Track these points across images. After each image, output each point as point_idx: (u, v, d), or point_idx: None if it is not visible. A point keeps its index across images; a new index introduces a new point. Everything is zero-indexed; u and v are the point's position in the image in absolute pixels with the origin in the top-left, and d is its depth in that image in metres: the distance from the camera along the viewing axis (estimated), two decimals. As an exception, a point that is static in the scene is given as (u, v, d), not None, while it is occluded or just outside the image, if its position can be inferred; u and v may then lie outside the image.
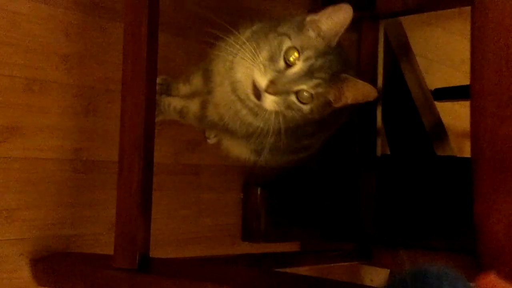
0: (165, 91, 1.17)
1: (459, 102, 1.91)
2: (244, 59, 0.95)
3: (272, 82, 0.88)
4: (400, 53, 1.67)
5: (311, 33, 0.92)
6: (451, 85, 1.87)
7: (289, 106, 0.91)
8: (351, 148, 1.47)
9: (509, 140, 0.57)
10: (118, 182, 0.90)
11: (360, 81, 0.93)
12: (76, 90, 1.07)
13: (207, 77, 1.08)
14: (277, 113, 0.92)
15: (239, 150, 1.18)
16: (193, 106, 1.12)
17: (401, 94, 1.66)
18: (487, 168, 0.58)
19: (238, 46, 0.98)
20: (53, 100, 1.04)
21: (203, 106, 1.09)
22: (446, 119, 1.72)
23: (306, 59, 0.89)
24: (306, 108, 0.92)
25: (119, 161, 0.91)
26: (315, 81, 0.90)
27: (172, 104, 1.15)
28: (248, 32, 1.00)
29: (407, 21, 1.73)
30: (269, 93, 0.88)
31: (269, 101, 0.90)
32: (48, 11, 1.04)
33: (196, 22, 1.28)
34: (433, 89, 1.86)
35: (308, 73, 0.89)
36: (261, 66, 0.89)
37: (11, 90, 0.99)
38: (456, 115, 1.89)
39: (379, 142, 1.42)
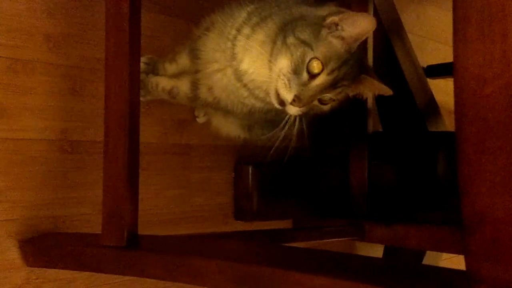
0: (152, 71, 1.16)
1: (452, 79, 1.90)
2: (251, 50, 0.95)
3: (297, 97, 0.89)
4: (391, 30, 1.65)
5: (331, 38, 0.91)
6: (443, 61, 1.86)
7: (311, 109, 0.93)
8: (342, 126, 1.47)
9: (492, 101, 0.57)
10: (104, 161, 0.90)
11: (376, 82, 0.96)
12: (61, 70, 1.06)
13: (194, 56, 1.07)
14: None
15: (230, 128, 1.17)
16: (184, 87, 1.11)
17: (393, 71, 1.65)
18: (470, 129, 0.58)
19: (234, 31, 0.97)
20: (37, 80, 1.03)
21: (195, 87, 1.08)
22: (438, 95, 1.71)
23: (330, 72, 0.89)
24: (327, 107, 0.95)
25: (105, 140, 0.90)
26: (338, 90, 0.92)
27: (160, 84, 1.14)
28: (244, 13, 0.98)
29: (398, -2, 1.72)
30: (295, 106, 0.90)
31: (294, 109, 0.91)
32: (29, -11, 1.03)
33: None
34: (425, 66, 1.85)
35: (332, 85, 0.90)
36: (286, 81, 0.89)
37: (-6, 71, 0.98)
38: (448, 92, 1.88)
39: (370, 119, 1.41)
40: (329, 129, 1.53)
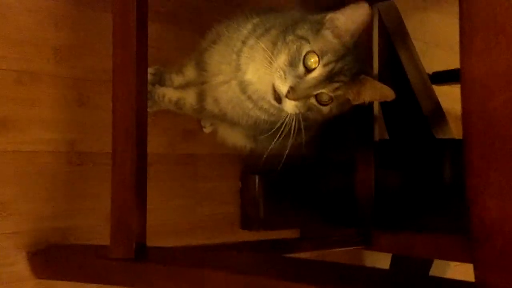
0: (158, 82, 1.17)
1: (458, 85, 1.90)
2: (255, 60, 0.95)
3: (292, 89, 0.88)
4: (396, 36, 1.65)
5: (329, 35, 0.91)
6: (449, 68, 1.86)
7: (309, 109, 0.92)
8: (348, 134, 1.47)
9: (499, 112, 0.57)
10: (112, 172, 0.90)
11: (378, 83, 0.94)
12: (68, 82, 1.07)
13: (201, 68, 1.07)
14: (297, 114, 0.92)
15: (236, 138, 1.18)
16: (190, 98, 1.11)
17: (398, 78, 1.65)
18: (478, 142, 0.58)
19: (240, 44, 0.98)
20: (44, 92, 1.04)
21: (201, 98, 1.09)
22: (444, 102, 1.71)
23: (326, 64, 0.89)
24: (325, 109, 0.93)
25: (112, 151, 0.90)
26: (335, 85, 0.90)
27: (167, 95, 1.14)
28: (249, 25, 0.99)
29: (402, 4, 1.72)
30: (290, 99, 0.89)
31: (290, 106, 0.90)
32: (36, 2, 1.03)
33: (189, 10, 1.27)
34: (431, 72, 1.85)
35: (328, 78, 0.89)
36: (281, 72, 0.89)
37: (1, 83, 0.99)
38: (454, 98, 1.87)
39: (376, 127, 1.41)
40: (335, 136, 1.53)
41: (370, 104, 1.39)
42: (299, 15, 0.99)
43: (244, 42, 0.97)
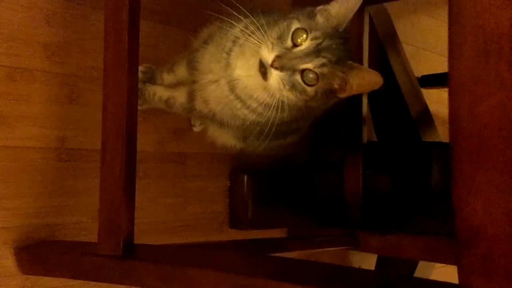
0: (149, 80, 1.17)
1: (446, 89, 1.91)
2: (244, 54, 0.95)
3: (278, 57, 0.88)
4: (386, 40, 1.67)
5: (320, 19, 0.92)
6: (438, 72, 1.88)
7: (293, 86, 0.90)
8: (337, 135, 1.48)
9: (487, 118, 0.57)
10: (101, 169, 0.90)
11: (366, 68, 0.96)
12: (59, 79, 1.07)
13: (192, 67, 1.08)
14: (282, 102, 0.92)
15: (225, 138, 1.18)
16: (180, 97, 1.12)
17: (388, 81, 1.66)
18: (465, 146, 0.59)
19: (230, 43, 0.99)
20: (35, 88, 1.03)
21: (191, 98, 1.09)
22: (432, 105, 1.72)
23: (314, 38, 0.89)
24: (310, 90, 0.91)
25: (102, 148, 0.90)
26: (321, 60, 0.89)
27: (157, 93, 1.14)
28: (241, 24, 0.99)
29: (393, 8, 1.73)
30: (275, 67, 0.89)
31: (274, 77, 0.90)
32: (28, -2, 1.03)
33: (181, 8, 1.28)
34: (419, 76, 1.86)
35: (315, 52, 0.89)
36: (269, 44, 0.90)
37: (-8, 79, 0.98)
38: (442, 102, 1.90)
39: (365, 129, 1.42)
40: (325, 137, 1.54)
41: (359, 106, 1.40)
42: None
43: (234, 42, 0.98)
